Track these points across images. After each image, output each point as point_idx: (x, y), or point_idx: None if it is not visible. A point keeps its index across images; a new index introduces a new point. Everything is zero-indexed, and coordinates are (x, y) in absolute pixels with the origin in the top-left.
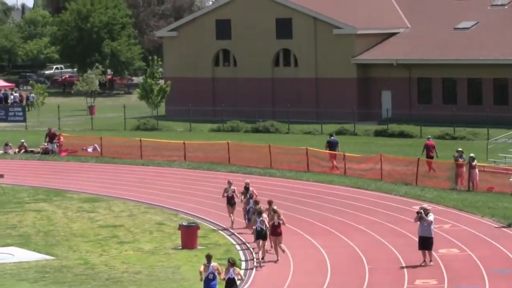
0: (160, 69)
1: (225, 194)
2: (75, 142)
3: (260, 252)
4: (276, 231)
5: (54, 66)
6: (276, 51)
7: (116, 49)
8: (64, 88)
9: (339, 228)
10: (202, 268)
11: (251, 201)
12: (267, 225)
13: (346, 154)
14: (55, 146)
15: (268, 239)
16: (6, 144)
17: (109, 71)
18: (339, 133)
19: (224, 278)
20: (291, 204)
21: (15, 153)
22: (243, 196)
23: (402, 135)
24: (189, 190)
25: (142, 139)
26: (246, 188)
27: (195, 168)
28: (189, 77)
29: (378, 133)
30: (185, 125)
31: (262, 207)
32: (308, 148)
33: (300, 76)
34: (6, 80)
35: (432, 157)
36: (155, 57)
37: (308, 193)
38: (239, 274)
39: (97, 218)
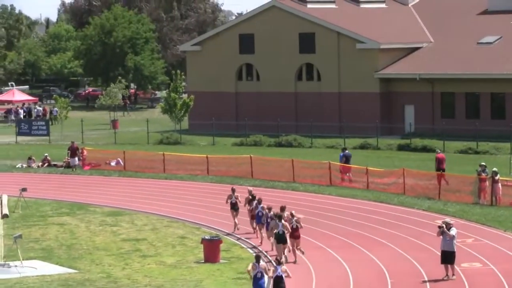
0: (184, 83)
1: (229, 201)
2: (98, 156)
3: (283, 257)
4: (294, 234)
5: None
6: (299, 66)
7: (139, 63)
8: (87, 102)
9: (362, 242)
10: (250, 266)
11: (260, 206)
12: (288, 229)
13: (369, 168)
14: (76, 160)
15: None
16: (30, 158)
17: (132, 85)
18: (362, 147)
19: (272, 276)
20: (313, 218)
21: (38, 166)
22: (248, 204)
23: (425, 149)
24: (212, 204)
25: (165, 153)
26: (252, 196)
27: (218, 182)
28: (212, 91)
29: (401, 147)
30: (208, 139)
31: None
32: (330, 162)
33: (323, 91)
34: (30, 94)
35: (444, 170)
36: (179, 71)
37: (331, 207)
38: (286, 271)
39: (119, 232)
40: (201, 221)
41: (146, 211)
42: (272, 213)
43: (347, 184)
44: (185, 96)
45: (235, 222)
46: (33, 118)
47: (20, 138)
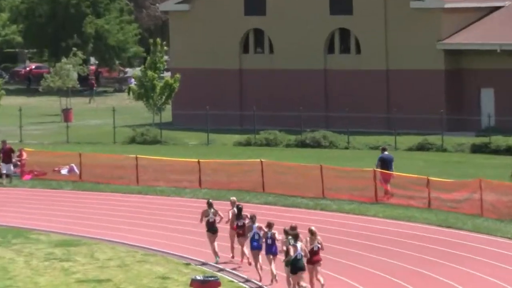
0: (165, 57)
1: (205, 219)
2: (44, 160)
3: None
4: (313, 259)
5: None
6: (330, 32)
7: (102, 28)
8: (29, 83)
9: (421, 285)
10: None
11: (254, 226)
12: (307, 253)
13: (431, 178)
14: (11, 167)
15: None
16: None
17: (92, 59)
18: (420, 148)
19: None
20: (351, 250)
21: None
22: (235, 220)
23: (510, 151)
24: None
25: (138, 156)
26: (239, 209)
27: (214, 197)
28: (206, 68)
29: (476, 149)
30: (199, 136)
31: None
32: (375, 169)
33: (364, 68)
34: None
35: None
36: (158, 40)
37: (376, 233)
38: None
39: (73, 270)
40: (190, 254)
41: (111, 240)
42: (273, 232)
43: (400, 201)
44: (167, 75)
45: (214, 250)
46: None
47: None
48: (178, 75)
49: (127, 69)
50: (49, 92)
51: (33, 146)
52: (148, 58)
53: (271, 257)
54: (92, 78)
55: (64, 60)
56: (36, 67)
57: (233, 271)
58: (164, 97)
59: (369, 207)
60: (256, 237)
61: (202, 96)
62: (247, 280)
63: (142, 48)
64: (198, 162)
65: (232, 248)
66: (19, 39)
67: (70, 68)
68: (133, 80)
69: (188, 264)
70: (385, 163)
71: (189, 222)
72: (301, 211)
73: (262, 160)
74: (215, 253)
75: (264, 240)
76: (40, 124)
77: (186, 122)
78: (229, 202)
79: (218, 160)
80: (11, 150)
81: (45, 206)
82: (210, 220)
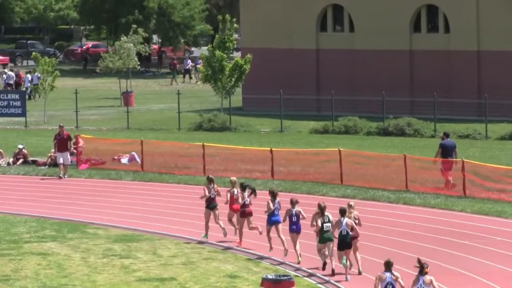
0: (235, 36)
1: (208, 195)
2: (102, 148)
3: (347, 263)
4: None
5: None
6: (416, 9)
7: (166, 3)
8: (85, 63)
9: None
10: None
11: (294, 210)
12: (355, 228)
13: None
14: (68, 155)
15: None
16: None
17: (155, 38)
18: None
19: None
20: (436, 248)
21: (9, 164)
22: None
23: None
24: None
25: (206, 144)
26: (244, 188)
27: (288, 189)
28: (280, 47)
29: None
30: (272, 122)
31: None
32: (464, 160)
33: (453, 48)
34: None
35: None
36: (228, 16)
37: (465, 230)
38: (431, 283)
39: (134, 267)
40: (261, 251)
41: (175, 235)
42: (298, 210)
43: (491, 195)
44: (237, 55)
45: (220, 225)
46: (0, 88)
47: None
48: (249, 56)
49: (193, 49)
50: (108, 73)
51: (90, 132)
52: (216, 36)
53: (295, 235)
54: (175, 59)
55: (123, 38)
56: (93, 46)
57: (308, 270)
58: (233, 80)
59: (456, 201)
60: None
61: (275, 79)
62: (326, 282)
63: (210, 25)
64: (271, 151)
65: (236, 228)
66: (74, 14)
67: (130, 47)
68: (189, 61)
69: (258, 262)
70: (446, 150)
71: (259, 216)
72: (382, 205)
73: (340, 149)
74: (223, 230)
75: (288, 217)
76: (98, 109)
77: (258, 107)
78: (307, 196)
79: (292, 149)
80: (69, 138)
81: (103, 198)
82: (212, 197)
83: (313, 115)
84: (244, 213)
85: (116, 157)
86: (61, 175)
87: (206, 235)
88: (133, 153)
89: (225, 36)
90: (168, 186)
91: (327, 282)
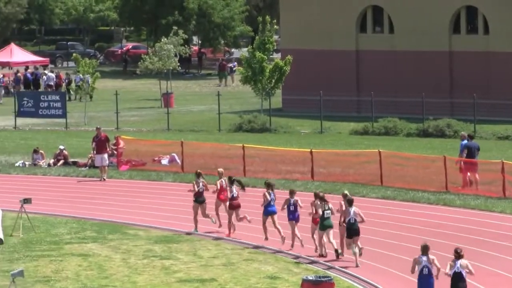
0: (275, 37)
1: (197, 189)
2: (142, 149)
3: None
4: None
5: None
6: (456, 10)
7: (206, 4)
8: (125, 65)
9: None
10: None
11: (292, 199)
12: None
13: None
14: (106, 157)
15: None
16: (36, 152)
17: (195, 39)
18: None
19: (449, 274)
20: (476, 249)
21: (49, 165)
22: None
23: None
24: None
25: (245, 145)
26: (232, 181)
27: (328, 190)
28: (320, 49)
29: None
30: (312, 124)
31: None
32: (504, 161)
33: (492, 49)
34: (37, 53)
35: None
36: (268, 17)
37: (504, 231)
38: (467, 267)
39: (174, 268)
40: (301, 252)
41: (216, 236)
42: (296, 199)
43: None
44: (277, 56)
45: (210, 217)
46: (41, 89)
47: (21, 121)
48: (289, 57)
49: (233, 50)
50: (148, 74)
51: (130, 133)
52: (257, 37)
53: (294, 223)
54: (224, 60)
55: (164, 39)
56: (133, 47)
57: (348, 271)
58: (273, 81)
59: (496, 203)
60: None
61: (315, 80)
62: (330, 267)
63: (250, 26)
64: (311, 152)
65: (219, 220)
66: (114, 16)
67: (170, 48)
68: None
69: (298, 263)
70: (471, 151)
71: (301, 217)
72: (421, 206)
73: (380, 150)
74: (196, 222)
75: (286, 206)
76: (138, 110)
77: (298, 108)
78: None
79: (332, 150)
80: (107, 139)
81: (143, 199)
82: (200, 191)
83: (353, 116)
84: (232, 205)
85: (156, 158)
86: (103, 177)
87: (196, 229)
88: (174, 154)
89: (265, 37)
90: (208, 187)
91: (331, 268)
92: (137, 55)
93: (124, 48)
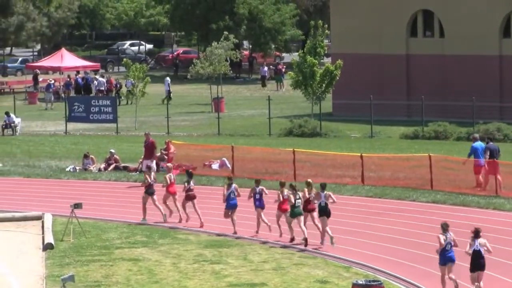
0: (326, 41)
1: (148, 181)
2: (193, 154)
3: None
4: (308, 207)
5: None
6: (506, 14)
7: (257, 9)
8: (176, 69)
9: None
10: (442, 239)
11: (258, 188)
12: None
13: None
14: (153, 163)
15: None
16: (87, 156)
17: (245, 43)
18: None
19: (469, 253)
20: None
21: (100, 170)
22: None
23: None
24: (368, 230)
25: (296, 150)
26: (190, 174)
27: (378, 195)
28: (370, 53)
29: None
30: (362, 128)
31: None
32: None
33: None
34: (88, 58)
35: None
36: (320, 22)
37: None
38: (485, 245)
39: (225, 273)
40: (351, 256)
41: (266, 241)
42: (261, 188)
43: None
44: (327, 61)
45: (159, 209)
46: (92, 94)
47: (71, 126)
48: (340, 62)
49: (284, 55)
50: (198, 79)
51: (181, 138)
52: (308, 42)
53: (260, 210)
54: (279, 64)
55: (214, 44)
56: (184, 52)
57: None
58: (324, 85)
59: None
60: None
61: (365, 84)
62: (415, 286)
63: (300, 31)
64: (361, 156)
65: (170, 211)
66: (164, 20)
67: (221, 53)
68: (266, 68)
69: (348, 268)
70: (492, 153)
71: (349, 221)
72: (471, 210)
73: (430, 154)
74: (145, 211)
75: (252, 195)
76: (189, 115)
77: (348, 113)
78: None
79: (383, 154)
80: (154, 146)
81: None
82: (151, 183)
83: (403, 120)
84: (189, 196)
85: (207, 163)
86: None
87: (144, 218)
88: (224, 159)
89: (316, 41)
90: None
91: (304, 250)
92: (187, 59)
93: (174, 53)
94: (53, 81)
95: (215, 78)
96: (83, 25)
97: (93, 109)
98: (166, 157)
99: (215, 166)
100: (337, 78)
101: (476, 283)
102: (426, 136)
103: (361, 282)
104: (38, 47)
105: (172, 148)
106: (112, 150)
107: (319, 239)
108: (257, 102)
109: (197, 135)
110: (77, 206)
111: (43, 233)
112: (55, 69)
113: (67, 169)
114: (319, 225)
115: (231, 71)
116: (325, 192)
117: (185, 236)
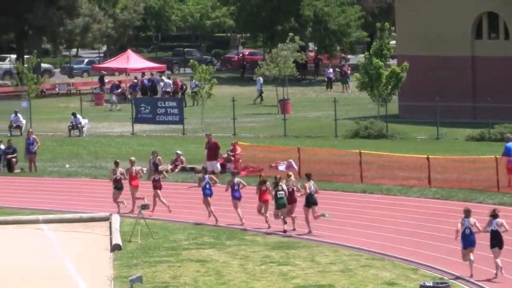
0: (392, 43)
1: (114, 177)
2: (259, 155)
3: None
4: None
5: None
6: None
7: (322, 11)
8: (243, 71)
9: None
10: (459, 225)
11: (206, 177)
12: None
13: None
14: (218, 164)
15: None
16: (154, 155)
17: (311, 45)
18: None
19: (487, 230)
20: None
21: (166, 171)
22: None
23: None
24: (435, 232)
25: (362, 151)
26: (156, 165)
27: (445, 197)
28: (435, 55)
29: None
30: (428, 130)
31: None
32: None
33: None
34: (154, 60)
35: None
36: (387, 24)
37: None
38: (503, 225)
39: (292, 274)
40: (418, 258)
41: (333, 242)
42: (238, 180)
43: None
44: (392, 62)
45: (116, 201)
46: (158, 96)
47: (138, 127)
48: (406, 64)
49: (349, 56)
50: (264, 81)
51: (247, 140)
52: (374, 43)
53: (237, 201)
54: (345, 66)
55: (280, 45)
56: (249, 54)
57: (469, 279)
58: (390, 87)
59: None
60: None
61: (431, 86)
62: (289, 236)
63: (366, 33)
64: (427, 158)
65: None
66: (230, 22)
67: (287, 55)
68: (331, 70)
69: (416, 270)
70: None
71: (416, 223)
72: None
73: (497, 156)
74: (118, 204)
75: (230, 187)
76: (255, 116)
77: (414, 115)
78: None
79: (449, 156)
80: (217, 146)
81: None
82: (117, 178)
83: (469, 122)
84: (156, 186)
85: (273, 164)
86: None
87: (119, 212)
88: (290, 160)
89: (382, 43)
90: (325, 193)
91: (290, 236)
92: (253, 61)
93: (241, 55)
94: (117, 82)
95: (280, 79)
96: (149, 27)
97: (159, 111)
98: (232, 158)
99: (282, 167)
100: (403, 80)
101: (495, 260)
102: (492, 138)
103: (428, 284)
104: (104, 48)
105: (239, 149)
106: (179, 151)
107: (307, 228)
108: (323, 104)
109: (263, 136)
110: (145, 207)
111: (110, 234)
112: (121, 71)
113: (145, 170)
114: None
115: (297, 73)
116: (311, 182)
117: (252, 238)
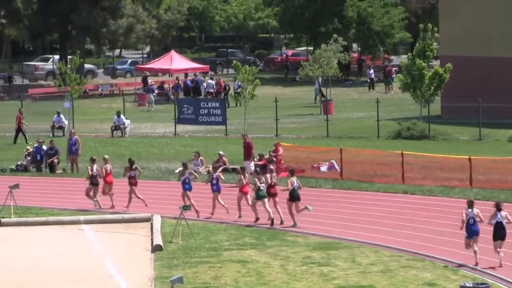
0: (435, 44)
1: (91, 173)
2: (301, 156)
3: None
4: (270, 191)
5: None
6: None
7: (365, 12)
8: (286, 72)
9: None
10: (463, 214)
11: (186, 172)
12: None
13: None
14: (251, 164)
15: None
16: (196, 155)
17: (354, 46)
18: None
19: (492, 223)
20: None
21: (208, 172)
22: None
23: None
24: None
25: (404, 152)
26: (131, 162)
27: (487, 197)
28: (478, 56)
29: None
30: (471, 131)
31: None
32: None
33: None
34: (197, 60)
35: None
36: (430, 25)
37: None
38: (506, 217)
39: (333, 275)
40: (460, 259)
41: (374, 243)
42: (218, 174)
43: None
44: (435, 63)
45: (94, 197)
46: (201, 96)
47: (181, 128)
48: (449, 65)
49: (393, 57)
50: (307, 81)
51: (290, 140)
52: (417, 44)
53: (217, 194)
54: (388, 66)
55: (323, 46)
56: (293, 54)
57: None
58: (432, 88)
59: None
60: (187, 180)
61: (474, 87)
62: (271, 227)
63: (409, 33)
64: (469, 159)
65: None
66: (274, 23)
67: (330, 56)
68: (372, 71)
69: (456, 271)
70: None
71: (457, 224)
72: None
73: None
74: (95, 198)
75: (209, 180)
76: (298, 117)
77: (456, 115)
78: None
79: (491, 157)
80: (249, 146)
81: (301, 206)
82: (94, 175)
83: None
84: (131, 182)
85: (315, 165)
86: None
87: (99, 206)
88: (333, 161)
89: (425, 44)
90: (367, 194)
91: (272, 227)
92: (296, 62)
93: (284, 55)
94: (153, 83)
95: (324, 80)
96: (193, 28)
97: (202, 111)
98: (274, 159)
99: (324, 168)
100: (446, 81)
101: (498, 249)
102: None
103: (469, 285)
104: (148, 49)
105: (281, 150)
106: (221, 152)
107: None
108: (366, 105)
109: (305, 137)
110: (186, 208)
111: (152, 234)
112: (165, 71)
113: (176, 171)
114: (279, 210)
115: (340, 74)
116: (294, 178)
117: (293, 239)
